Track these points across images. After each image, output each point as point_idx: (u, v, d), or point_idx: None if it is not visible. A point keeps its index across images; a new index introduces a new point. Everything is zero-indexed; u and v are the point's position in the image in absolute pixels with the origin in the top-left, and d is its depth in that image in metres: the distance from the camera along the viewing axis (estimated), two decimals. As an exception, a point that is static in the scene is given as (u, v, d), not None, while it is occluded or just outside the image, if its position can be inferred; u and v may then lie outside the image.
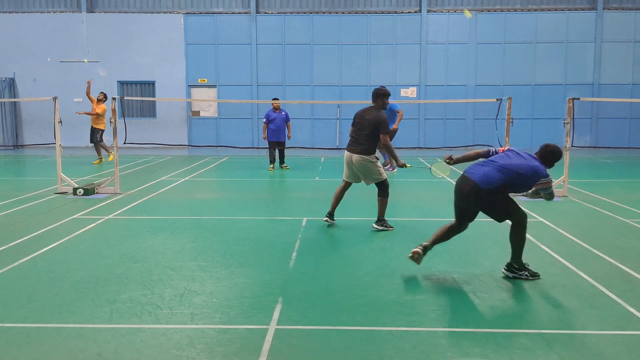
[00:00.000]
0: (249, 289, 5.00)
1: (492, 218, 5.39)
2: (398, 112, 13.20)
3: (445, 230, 5.43)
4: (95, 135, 15.03)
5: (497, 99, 10.41)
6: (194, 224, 7.60)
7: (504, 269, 5.36)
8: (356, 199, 9.92)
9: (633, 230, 7.35)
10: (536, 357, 3.67)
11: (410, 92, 20.91)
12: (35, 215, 8.17)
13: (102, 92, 15.32)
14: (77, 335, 3.99)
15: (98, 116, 14.94)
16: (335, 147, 19.25)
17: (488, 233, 7.19)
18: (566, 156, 9.93)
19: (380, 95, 7.12)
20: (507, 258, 5.96)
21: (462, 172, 5.40)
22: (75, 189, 9.80)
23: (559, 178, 10.01)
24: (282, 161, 14.01)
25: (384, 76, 20.86)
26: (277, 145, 13.76)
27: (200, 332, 4.07)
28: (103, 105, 15.02)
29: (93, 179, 11.62)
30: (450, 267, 5.63)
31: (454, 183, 5.51)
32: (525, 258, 5.98)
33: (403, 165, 7.09)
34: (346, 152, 7.26)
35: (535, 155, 5.36)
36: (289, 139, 13.96)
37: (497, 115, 10.23)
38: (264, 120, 13.75)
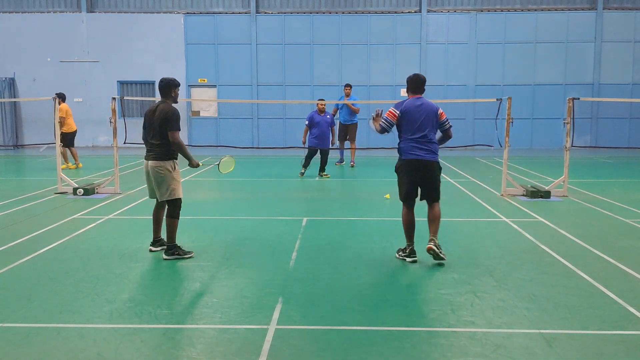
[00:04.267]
0: (249, 289, 5.00)
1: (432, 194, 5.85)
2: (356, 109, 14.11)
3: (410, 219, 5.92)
4: (66, 140, 13.66)
5: (497, 99, 10.40)
6: (194, 224, 7.60)
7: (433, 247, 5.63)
8: (356, 199, 9.93)
9: (633, 230, 7.35)
10: (536, 357, 3.67)
11: (410, 92, 20.89)
12: (35, 215, 8.17)
13: (56, 94, 13.84)
14: (77, 335, 3.99)
15: (61, 119, 13.31)
16: (336, 147, 19.20)
17: (488, 233, 7.20)
18: (566, 156, 9.93)
19: (166, 86, 5.94)
20: (507, 258, 5.97)
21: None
22: (75, 189, 9.79)
23: (559, 178, 10.02)
24: (322, 169, 12.41)
25: (384, 76, 20.87)
26: (320, 151, 12.32)
27: (200, 332, 4.07)
28: (62, 106, 13.56)
29: (93, 179, 11.62)
30: (450, 267, 5.63)
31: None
32: (526, 258, 5.99)
33: (197, 165, 6.02)
34: (144, 162, 6.06)
35: (411, 96, 5.92)
36: (332, 144, 12.72)
37: (497, 115, 10.22)
38: (306, 122, 12.40)
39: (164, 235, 6.12)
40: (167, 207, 5.96)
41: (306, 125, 12.42)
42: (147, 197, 9.71)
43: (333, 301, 4.69)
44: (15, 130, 20.90)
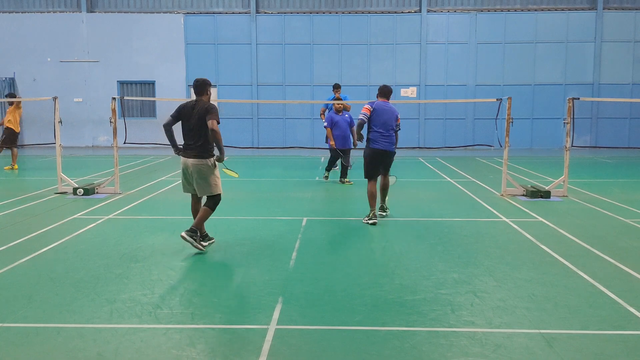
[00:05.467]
0: (249, 289, 5.00)
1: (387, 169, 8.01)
2: (347, 107, 12.98)
3: (375, 191, 7.78)
4: (12, 140, 13.81)
5: (497, 99, 10.40)
6: (194, 224, 7.59)
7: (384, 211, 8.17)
8: (355, 198, 9.92)
9: (633, 230, 7.35)
10: (536, 357, 3.67)
11: (410, 92, 20.92)
12: (35, 215, 8.17)
13: (6, 95, 13.84)
14: (77, 335, 3.99)
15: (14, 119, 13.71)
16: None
17: (488, 233, 7.20)
18: (566, 156, 9.93)
19: (203, 85, 6.24)
20: (507, 258, 5.98)
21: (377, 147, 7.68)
22: (75, 189, 9.79)
23: (559, 178, 10.03)
24: (344, 173, 11.63)
25: (384, 76, 20.86)
26: (342, 152, 11.58)
27: (200, 332, 4.07)
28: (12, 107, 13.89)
29: (93, 179, 11.63)
30: (450, 267, 5.64)
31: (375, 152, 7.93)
32: (525, 257, 6.01)
33: (222, 160, 6.22)
34: (182, 159, 6.21)
35: (380, 99, 7.87)
36: (354, 146, 11.66)
37: (497, 115, 10.23)
38: (326, 125, 11.55)
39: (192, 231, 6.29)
40: (207, 200, 6.21)
41: (326, 127, 11.56)
42: (147, 197, 9.79)
43: (333, 301, 4.69)
44: (15, 130, 20.85)
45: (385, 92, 7.87)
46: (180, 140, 6.27)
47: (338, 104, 11.59)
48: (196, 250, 6.16)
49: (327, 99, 13.83)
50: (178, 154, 6.33)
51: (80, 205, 8.95)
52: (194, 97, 6.34)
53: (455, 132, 20.87)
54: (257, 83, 21.00)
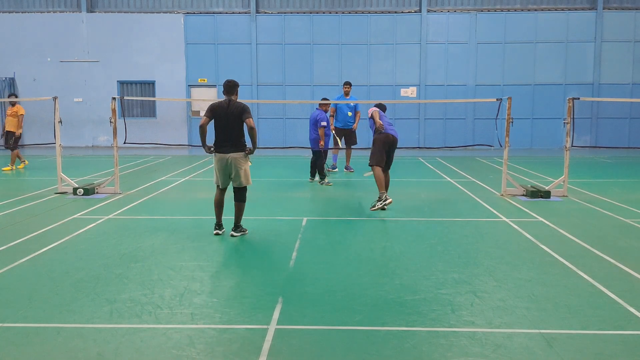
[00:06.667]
0: (249, 289, 5.00)
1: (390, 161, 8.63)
2: (357, 113, 13.04)
3: (383, 176, 8.38)
4: (9, 141, 13.72)
5: (497, 99, 10.40)
6: (194, 224, 7.60)
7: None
8: (355, 199, 9.93)
9: (633, 230, 7.35)
10: (536, 357, 3.67)
11: (410, 92, 20.92)
12: (35, 215, 8.17)
13: (10, 94, 13.99)
14: (77, 335, 3.99)
15: (16, 118, 13.70)
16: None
17: (488, 233, 7.20)
18: (566, 156, 9.93)
19: (235, 86, 6.88)
20: (507, 258, 5.98)
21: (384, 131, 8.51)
22: (75, 189, 9.79)
23: (559, 178, 10.03)
24: (323, 176, 11.43)
25: (384, 76, 20.87)
26: (323, 153, 11.45)
27: (200, 332, 4.07)
28: (20, 108, 13.79)
29: (93, 179, 11.63)
30: (450, 267, 5.64)
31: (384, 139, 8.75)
32: (525, 257, 6.00)
33: (252, 152, 6.87)
34: (219, 155, 6.73)
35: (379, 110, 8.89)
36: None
37: (497, 115, 10.23)
38: (324, 124, 11.09)
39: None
40: (237, 193, 6.85)
41: (324, 126, 11.09)
42: (147, 197, 9.79)
43: (333, 301, 4.69)
44: (15, 130, 20.86)
45: (383, 107, 9.16)
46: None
47: (322, 104, 11.40)
48: (195, 251, 6.17)
49: (335, 99, 13.65)
50: (209, 151, 6.83)
51: (80, 205, 8.95)
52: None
53: (455, 132, 20.86)
54: (257, 83, 21.00)
